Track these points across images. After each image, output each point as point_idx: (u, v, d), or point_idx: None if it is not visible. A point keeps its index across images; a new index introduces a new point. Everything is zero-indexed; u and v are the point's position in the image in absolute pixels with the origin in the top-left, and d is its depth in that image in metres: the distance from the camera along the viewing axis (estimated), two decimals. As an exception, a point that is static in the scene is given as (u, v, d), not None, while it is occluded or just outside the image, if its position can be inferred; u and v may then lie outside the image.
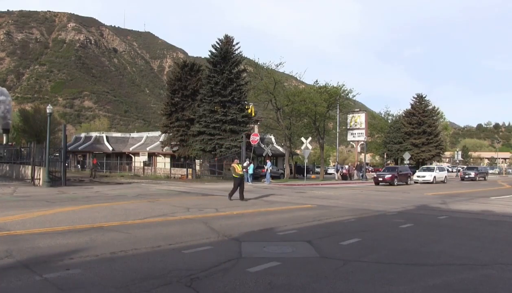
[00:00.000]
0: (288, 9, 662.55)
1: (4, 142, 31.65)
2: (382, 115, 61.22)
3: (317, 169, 50.78)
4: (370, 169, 62.90)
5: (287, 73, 48.31)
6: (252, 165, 29.72)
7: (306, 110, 40.48)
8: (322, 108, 41.53)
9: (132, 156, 46.09)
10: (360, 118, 43.52)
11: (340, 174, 40.18)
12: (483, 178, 44.47)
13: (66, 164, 25.54)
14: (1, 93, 37.03)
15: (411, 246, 7.41)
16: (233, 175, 15.52)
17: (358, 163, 43.19)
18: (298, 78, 48.05)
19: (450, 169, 64.72)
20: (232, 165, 15.88)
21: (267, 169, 31.21)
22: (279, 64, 42.78)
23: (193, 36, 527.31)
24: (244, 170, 30.82)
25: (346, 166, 43.11)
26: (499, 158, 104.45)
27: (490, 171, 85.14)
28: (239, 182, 15.17)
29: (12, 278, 4.93)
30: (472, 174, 43.15)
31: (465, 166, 58.08)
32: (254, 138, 30.97)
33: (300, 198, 17.61)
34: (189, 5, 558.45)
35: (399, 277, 5.31)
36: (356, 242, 7.62)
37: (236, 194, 15.23)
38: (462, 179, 42.69)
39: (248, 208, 13.05)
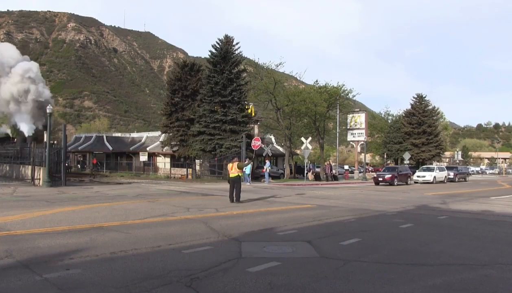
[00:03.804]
0: (288, 9, 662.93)
1: (45, 140, 30.70)
2: (382, 115, 61.19)
3: (317, 169, 50.72)
4: (370, 169, 62.89)
5: (287, 73, 48.32)
6: (249, 165, 29.68)
7: (306, 110, 40.46)
8: (322, 108, 41.51)
9: (132, 156, 46.05)
10: (360, 118, 43.48)
11: (313, 174, 37.01)
12: (463, 179, 41.26)
13: (67, 164, 25.43)
14: (44, 86, 36.75)
15: (411, 246, 7.41)
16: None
17: (329, 162, 42.09)
18: (298, 78, 48.01)
19: None
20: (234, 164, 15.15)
21: (266, 169, 31.25)
22: (279, 64, 42.74)
23: (193, 36, 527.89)
24: (265, 170, 30.83)
25: (311, 165, 39.43)
26: (499, 158, 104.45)
27: (490, 171, 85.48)
28: (232, 183, 14.65)
29: (12, 278, 4.93)
30: (451, 174, 38.87)
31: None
32: (256, 143, 30.96)
33: (300, 198, 17.61)
34: (189, 5, 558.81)
35: (399, 277, 5.31)
36: (356, 242, 7.62)
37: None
38: None
39: (248, 208, 13.05)
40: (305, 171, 34.28)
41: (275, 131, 48.48)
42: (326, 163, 38.97)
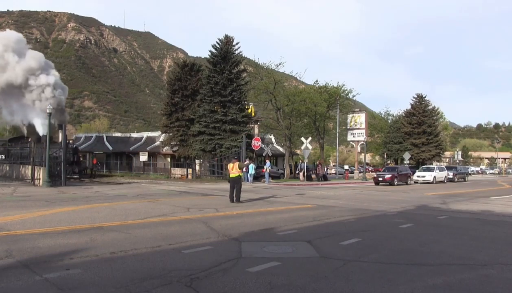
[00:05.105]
0: (289, 9, 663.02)
1: (60, 139, 29.10)
2: (382, 115, 61.20)
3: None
4: (370, 169, 62.92)
5: (287, 73, 48.37)
6: (252, 165, 29.72)
7: (306, 110, 40.47)
8: (322, 108, 41.54)
9: (132, 156, 46.04)
10: (360, 118, 43.50)
11: (304, 175, 34.29)
12: (462, 179, 40.74)
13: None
14: (59, 86, 33.16)
15: (411, 246, 7.41)
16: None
17: (320, 162, 40.95)
18: (298, 78, 48.08)
19: None
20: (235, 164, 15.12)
21: (266, 169, 31.26)
22: (279, 64, 42.76)
23: (193, 36, 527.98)
24: (265, 170, 30.73)
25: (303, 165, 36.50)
26: (499, 158, 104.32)
27: (490, 171, 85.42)
28: (233, 183, 14.67)
29: (12, 278, 4.93)
30: (450, 174, 37.81)
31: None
32: (256, 143, 30.98)
33: (300, 198, 17.61)
34: (189, 5, 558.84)
35: (399, 277, 5.31)
36: (356, 242, 7.62)
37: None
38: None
39: (248, 208, 13.05)
40: (309, 172, 34.13)
41: (275, 131, 48.45)
42: (317, 162, 38.65)
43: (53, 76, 30.92)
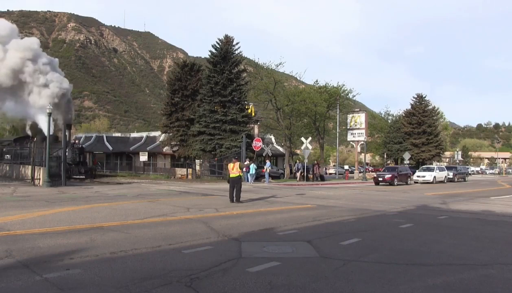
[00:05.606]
0: (289, 9, 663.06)
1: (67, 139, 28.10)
2: (382, 115, 61.23)
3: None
4: (370, 169, 62.94)
5: (287, 73, 48.38)
6: (253, 165, 29.72)
7: (306, 110, 40.49)
8: (322, 108, 41.57)
9: (132, 156, 46.05)
10: (360, 118, 43.51)
11: (302, 175, 34.07)
12: (462, 179, 40.55)
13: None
14: (65, 83, 31.23)
15: (411, 246, 7.41)
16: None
17: (317, 162, 40.31)
18: (298, 78, 48.12)
19: None
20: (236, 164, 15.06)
21: (266, 169, 31.26)
22: (279, 64, 42.76)
23: (193, 36, 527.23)
24: (265, 170, 30.73)
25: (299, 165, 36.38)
26: (499, 158, 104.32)
27: (490, 171, 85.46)
28: (233, 183, 14.62)
29: (12, 278, 4.92)
30: (450, 174, 37.58)
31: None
32: (257, 144, 30.97)
33: (300, 198, 17.61)
34: (189, 5, 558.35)
35: (399, 277, 5.31)
36: (356, 242, 7.62)
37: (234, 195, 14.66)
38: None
39: (248, 208, 13.05)
40: (310, 172, 34.06)
41: (275, 131, 48.46)
42: (315, 162, 38.61)
43: (52, 69, 29.43)
